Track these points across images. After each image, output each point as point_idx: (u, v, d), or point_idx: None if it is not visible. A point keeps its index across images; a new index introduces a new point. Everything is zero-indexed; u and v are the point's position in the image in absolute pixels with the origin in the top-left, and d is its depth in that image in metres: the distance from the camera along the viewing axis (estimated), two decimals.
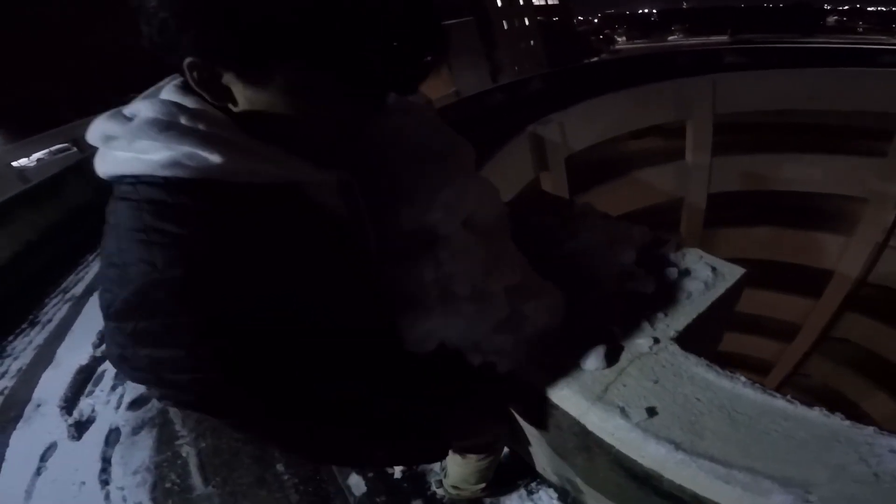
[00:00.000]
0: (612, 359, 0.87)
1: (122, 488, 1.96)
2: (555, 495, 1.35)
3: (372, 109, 0.55)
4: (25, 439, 2.49)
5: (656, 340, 0.88)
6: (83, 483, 2.05)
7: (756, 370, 9.44)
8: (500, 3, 33.09)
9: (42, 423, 2.59)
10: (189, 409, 0.55)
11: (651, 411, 0.78)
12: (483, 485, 1.26)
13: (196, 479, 1.86)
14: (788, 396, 0.76)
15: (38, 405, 2.76)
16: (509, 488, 1.39)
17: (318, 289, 0.57)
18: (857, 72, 7.55)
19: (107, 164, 0.47)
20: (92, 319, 3.64)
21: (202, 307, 0.46)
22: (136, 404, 2.48)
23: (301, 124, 0.50)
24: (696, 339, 0.92)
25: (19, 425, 2.62)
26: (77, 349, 3.24)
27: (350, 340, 0.64)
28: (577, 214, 1.24)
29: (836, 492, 0.62)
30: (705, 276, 0.98)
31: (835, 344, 9.02)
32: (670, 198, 8.79)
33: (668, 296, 0.96)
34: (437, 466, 1.51)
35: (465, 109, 8.41)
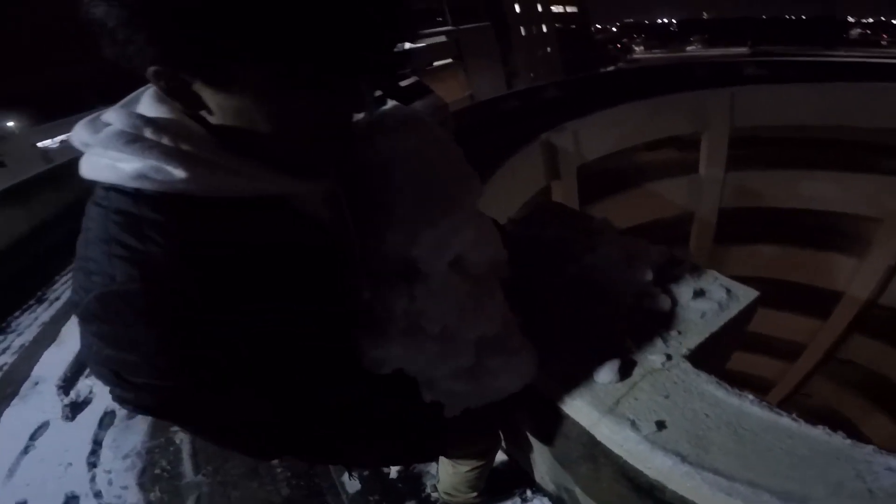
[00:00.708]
0: (624, 373, 0.89)
1: (109, 471, 1.94)
2: None
3: (351, 108, 0.53)
4: (18, 417, 2.46)
5: (669, 357, 0.91)
6: (70, 464, 2.02)
7: (757, 389, 9.18)
8: (518, 9, 32.92)
9: (38, 401, 2.56)
10: (147, 414, 0.54)
11: (660, 425, 0.81)
12: (475, 493, 1.26)
13: (187, 467, 1.85)
14: (794, 415, 0.79)
15: (36, 383, 2.74)
16: (504, 496, 1.38)
17: (299, 296, 0.56)
18: (879, 87, 7.36)
19: (87, 168, 0.49)
20: None
21: (159, 321, 0.46)
22: None
23: (278, 131, 0.48)
24: (707, 357, 0.95)
25: (14, 402, 2.59)
26: None
27: (335, 346, 0.64)
28: (595, 230, 1.25)
29: None
30: (720, 297, 1.00)
31: (839, 365, 8.91)
32: (681, 211, 8.73)
33: (682, 314, 0.99)
34: (433, 469, 1.51)
35: (478, 114, 8.41)
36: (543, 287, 1.11)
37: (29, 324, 3.50)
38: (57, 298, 3.86)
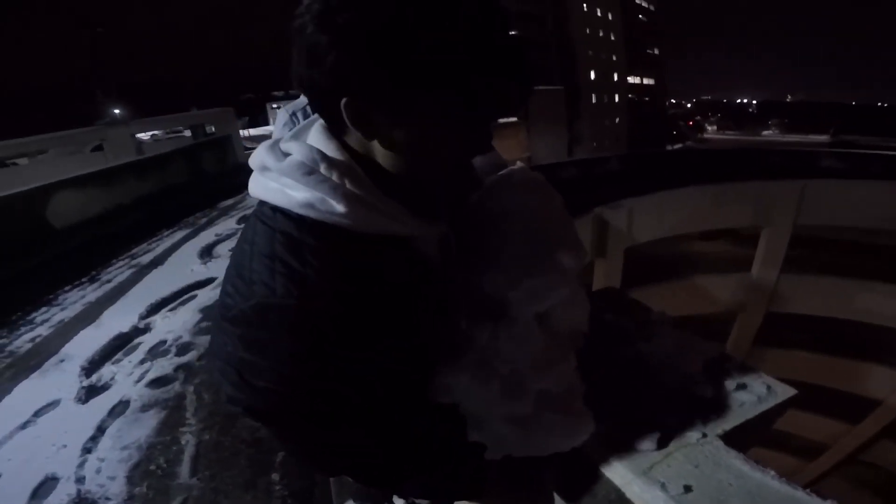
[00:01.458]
0: (662, 444, 0.98)
1: (102, 459, 1.89)
2: None
3: (480, 147, 0.57)
4: (31, 391, 2.44)
5: (704, 435, 1.01)
6: (64, 446, 1.98)
7: None
8: (592, 76, 33.41)
9: (56, 378, 2.54)
10: (252, 416, 0.58)
11: (687, 488, 0.89)
12: None
13: (184, 468, 1.81)
14: (808, 490, 0.85)
15: (62, 360, 2.73)
16: None
17: (414, 333, 0.61)
18: None
19: (258, 189, 0.54)
20: (149, 290, 3.64)
21: (304, 338, 0.50)
22: (157, 383, 2.42)
23: (419, 167, 0.53)
24: (739, 439, 1.03)
25: (33, 376, 2.57)
26: (123, 315, 3.24)
27: (421, 377, 0.69)
28: (653, 321, 1.37)
29: None
30: (760, 392, 1.10)
31: (860, 467, 8.44)
32: (724, 310, 8.18)
33: (722, 401, 1.10)
34: None
35: None
36: (598, 363, 1.18)
37: (74, 301, 3.62)
38: (109, 281, 3.99)
